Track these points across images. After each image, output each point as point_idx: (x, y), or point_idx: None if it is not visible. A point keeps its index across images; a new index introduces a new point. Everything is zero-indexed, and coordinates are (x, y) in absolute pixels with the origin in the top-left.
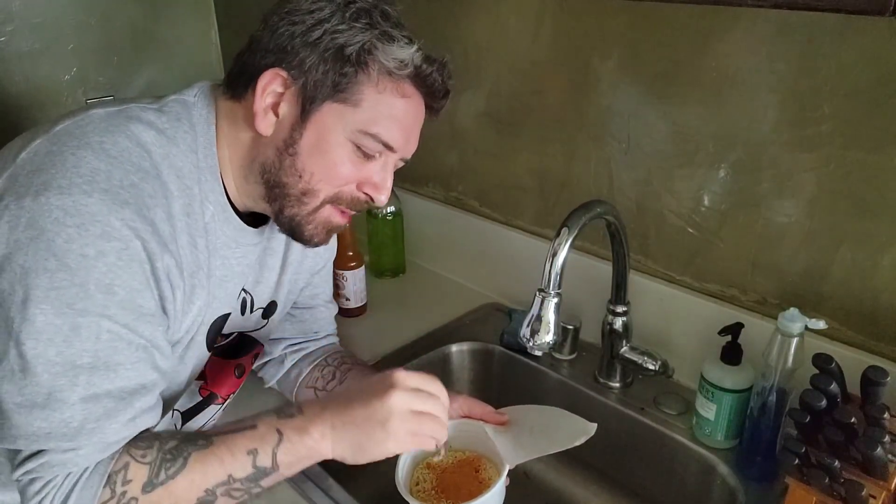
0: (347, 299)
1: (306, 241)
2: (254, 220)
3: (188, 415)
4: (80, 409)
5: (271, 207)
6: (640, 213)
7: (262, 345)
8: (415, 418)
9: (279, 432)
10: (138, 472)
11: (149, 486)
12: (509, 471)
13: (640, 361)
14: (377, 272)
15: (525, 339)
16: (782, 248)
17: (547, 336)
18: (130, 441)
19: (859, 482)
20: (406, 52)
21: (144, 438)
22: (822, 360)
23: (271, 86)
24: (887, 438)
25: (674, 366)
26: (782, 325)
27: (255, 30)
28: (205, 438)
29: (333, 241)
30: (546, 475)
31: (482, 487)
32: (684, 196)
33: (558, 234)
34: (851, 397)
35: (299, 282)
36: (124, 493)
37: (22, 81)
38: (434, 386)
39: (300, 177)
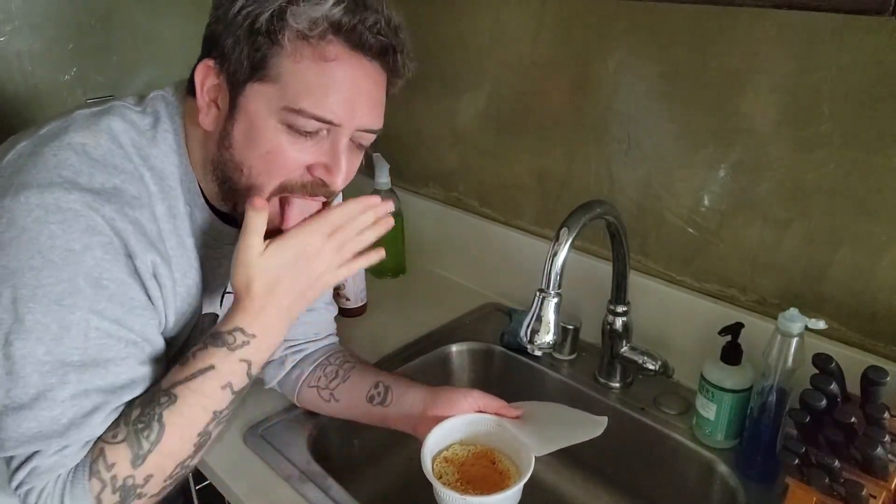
0: (347, 299)
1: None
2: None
3: None
4: (70, 405)
5: (228, 205)
6: (640, 213)
7: None
8: (339, 253)
9: (247, 362)
10: (118, 453)
11: (138, 460)
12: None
13: (640, 361)
14: (377, 272)
15: (525, 339)
16: (782, 247)
17: (547, 336)
18: None
19: (859, 482)
20: (320, 9)
21: None
22: (821, 360)
23: (207, 79)
24: (887, 438)
25: (674, 366)
26: (782, 325)
27: None
28: (166, 395)
29: None
30: (546, 475)
31: (503, 477)
32: (684, 196)
33: (558, 235)
34: (851, 397)
35: None
36: (114, 476)
37: (21, 81)
38: (344, 212)
39: (241, 171)
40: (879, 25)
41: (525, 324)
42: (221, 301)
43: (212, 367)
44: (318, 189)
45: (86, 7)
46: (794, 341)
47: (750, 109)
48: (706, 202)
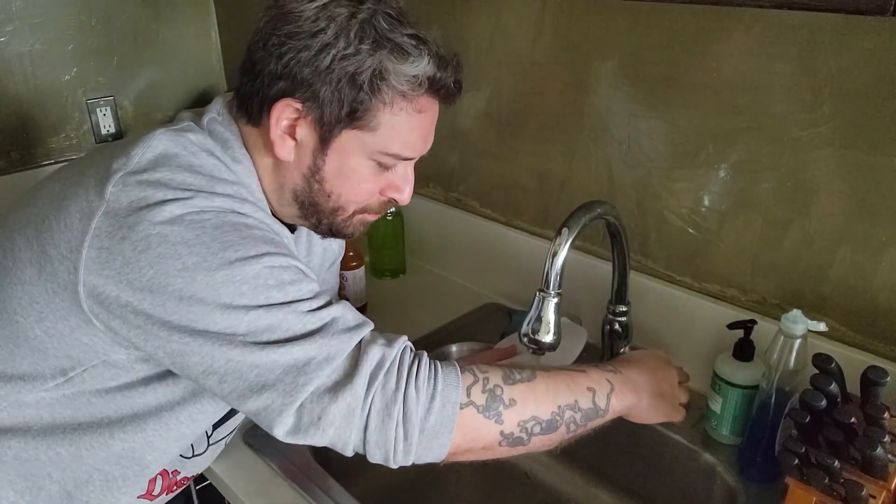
0: (347, 299)
1: (347, 237)
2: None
3: (218, 423)
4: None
5: (308, 222)
6: (640, 214)
7: None
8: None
9: (610, 382)
10: (492, 373)
11: (509, 380)
12: (509, 472)
13: None
14: (377, 272)
15: (525, 340)
16: (782, 248)
17: (547, 336)
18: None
19: (859, 482)
20: (418, 68)
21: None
22: (821, 361)
23: (284, 113)
24: (887, 438)
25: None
26: (785, 326)
27: (252, 45)
28: (530, 372)
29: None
30: (546, 475)
31: None
32: (684, 196)
33: (558, 234)
34: (851, 397)
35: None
36: (486, 378)
37: (22, 82)
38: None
39: (329, 197)
40: (879, 25)
41: (525, 324)
42: None
43: (583, 371)
44: (387, 206)
45: (86, 8)
46: (797, 342)
47: (750, 110)
48: (706, 202)
